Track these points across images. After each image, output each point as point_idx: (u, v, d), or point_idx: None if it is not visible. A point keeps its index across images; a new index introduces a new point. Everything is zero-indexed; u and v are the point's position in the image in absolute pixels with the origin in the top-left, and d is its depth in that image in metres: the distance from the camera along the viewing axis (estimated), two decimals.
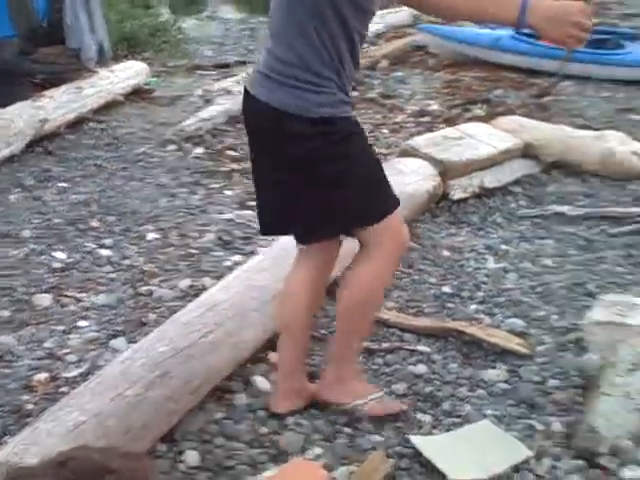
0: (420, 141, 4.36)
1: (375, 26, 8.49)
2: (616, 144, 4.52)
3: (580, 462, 2.23)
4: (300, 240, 2.40)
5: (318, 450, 2.32)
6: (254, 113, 2.26)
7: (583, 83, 6.75)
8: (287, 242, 3.11)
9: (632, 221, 3.94)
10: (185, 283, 3.34)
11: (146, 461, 2.07)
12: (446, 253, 3.65)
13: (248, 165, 4.68)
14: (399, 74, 7.22)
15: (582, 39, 1.88)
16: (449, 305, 3.18)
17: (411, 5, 2.15)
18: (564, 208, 4.09)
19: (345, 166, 2.18)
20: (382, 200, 2.27)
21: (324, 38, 2.07)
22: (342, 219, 2.27)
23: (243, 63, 7.58)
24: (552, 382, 2.65)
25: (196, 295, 2.99)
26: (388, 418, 2.43)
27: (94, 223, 4.02)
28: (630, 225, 3.89)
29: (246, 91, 2.27)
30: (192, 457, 2.28)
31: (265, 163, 2.31)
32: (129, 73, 6.25)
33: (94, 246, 3.75)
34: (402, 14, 8.97)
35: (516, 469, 2.21)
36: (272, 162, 2.27)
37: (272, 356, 2.76)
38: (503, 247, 3.72)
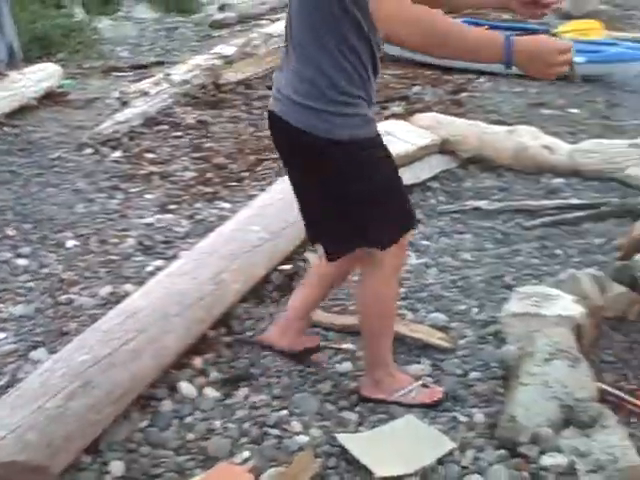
0: None
1: None
2: (528, 139, 4.65)
3: (503, 452, 2.29)
4: (325, 255, 2.51)
5: (246, 453, 2.32)
6: (282, 132, 2.28)
7: (497, 79, 6.91)
8: (208, 245, 3.12)
9: (545, 214, 4.06)
10: (106, 290, 3.29)
11: (50, 475, 2.06)
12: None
13: (168, 168, 4.76)
14: None
15: (561, 72, 1.96)
16: None
17: (394, 43, 2.12)
18: (481, 203, 4.19)
19: (369, 188, 2.24)
20: (400, 222, 2.38)
21: (346, 53, 2.09)
22: (362, 239, 2.34)
23: (160, 63, 7.47)
24: (474, 374, 2.72)
25: (117, 302, 2.94)
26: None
27: (10, 231, 3.91)
28: (543, 218, 4.01)
29: (271, 112, 2.29)
30: (117, 467, 2.26)
31: (296, 177, 2.40)
32: (41, 75, 6.08)
33: (10, 255, 3.65)
34: None
35: (441, 462, 2.26)
36: (302, 178, 2.36)
37: (197, 361, 2.75)
38: (424, 243, 3.78)
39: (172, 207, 4.20)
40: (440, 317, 3.06)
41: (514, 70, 1.94)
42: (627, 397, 2.58)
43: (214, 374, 2.72)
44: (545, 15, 2.31)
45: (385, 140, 4.37)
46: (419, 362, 2.79)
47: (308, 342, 2.81)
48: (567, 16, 9.74)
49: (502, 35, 1.92)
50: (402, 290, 3.29)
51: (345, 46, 2.08)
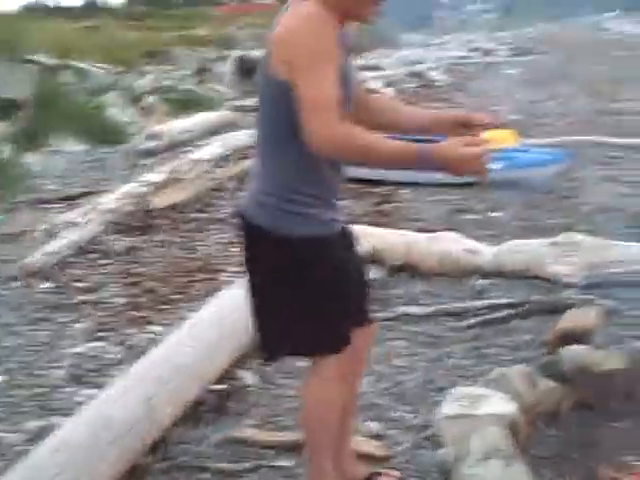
0: None
1: (219, 149, 8.73)
2: (452, 244, 4.80)
3: None
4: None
5: None
6: (241, 229, 2.32)
7: (418, 188, 7.16)
8: (139, 370, 3.08)
9: (474, 314, 4.15)
10: (33, 424, 3.19)
11: None
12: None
13: (98, 295, 4.73)
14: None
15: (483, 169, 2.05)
16: None
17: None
18: (411, 309, 4.27)
19: (298, 292, 2.25)
20: (328, 341, 2.30)
21: (299, 152, 2.11)
22: (292, 343, 2.33)
23: (89, 194, 7.54)
24: None
25: (45, 435, 2.85)
26: None
27: None
28: (472, 319, 4.10)
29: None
30: None
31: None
32: None
33: None
34: (243, 136, 9.22)
35: None
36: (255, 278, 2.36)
37: None
38: None
39: (103, 334, 4.16)
40: (374, 426, 3.05)
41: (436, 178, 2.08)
42: None
43: None
44: None
45: None
46: None
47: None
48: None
49: (415, 146, 2.01)
50: None
51: (297, 145, 2.11)
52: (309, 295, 2.26)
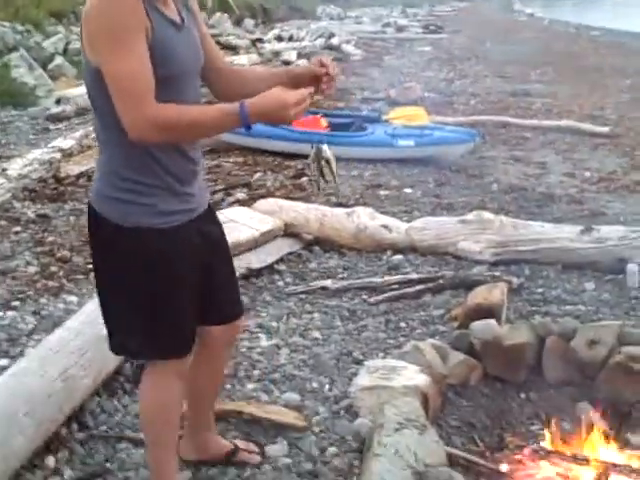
0: None
1: None
2: (367, 219, 4.90)
3: None
4: None
5: None
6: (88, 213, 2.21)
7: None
8: (55, 341, 3.05)
9: (388, 289, 4.26)
10: None
11: None
12: None
13: (9, 264, 4.62)
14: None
15: (304, 110, 2.03)
16: (227, 387, 3.23)
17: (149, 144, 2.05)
18: (327, 282, 4.35)
19: (110, 277, 2.18)
20: (161, 344, 2.21)
21: (126, 137, 1.98)
22: (124, 343, 2.25)
23: None
24: (331, 450, 2.79)
25: None
26: None
27: None
28: (386, 293, 4.21)
29: None
30: None
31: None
32: None
33: None
34: None
35: None
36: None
37: (50, 461, 2.66)
38: (274, 324, 3.87)
39: (16, 304, 4.06)
40: (293, 397, 3.13)
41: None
42: (475, 459, 2.73)
43: (68, 472, 2.64)
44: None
45: (230, 227, 4.53)
46: (276, 442, 2.83)
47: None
48: (394, 103, 10.42)
49: (237, 104, 1.96)
50: (255, 372, 3.36)
51: (123, 132, 1.98)
52: (140, 293, 2.15)
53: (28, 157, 6.42)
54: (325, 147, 2.28)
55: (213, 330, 2.42)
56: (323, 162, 2.28)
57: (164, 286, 2.15)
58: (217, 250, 2.38)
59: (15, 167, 6.15)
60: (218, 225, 2.41)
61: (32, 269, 4.55)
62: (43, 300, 4.10)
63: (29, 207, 5.73)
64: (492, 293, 3.82)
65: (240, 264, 4.35)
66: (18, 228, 5.28)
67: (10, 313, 3.91)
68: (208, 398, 2.64)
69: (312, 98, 2.06)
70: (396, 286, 4.29)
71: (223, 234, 2.44)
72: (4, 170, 6.07)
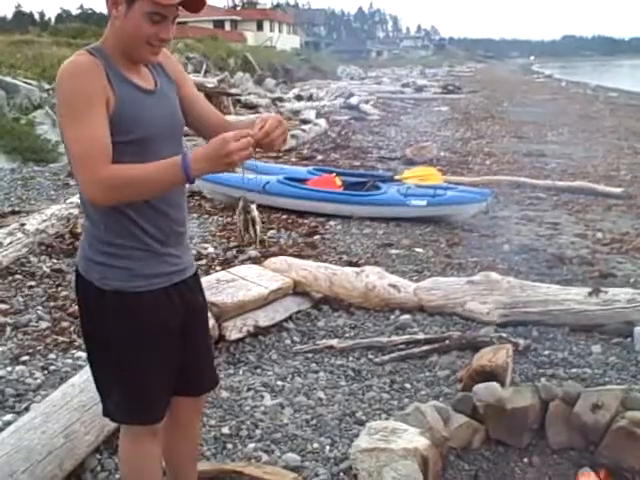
0: None
1: None
2: (375, 278, 4.93)
3: None
4: None
5: None
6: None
7: (347, 221, 7.33)
8: (59, 397, 3.09)
9: (394, 349, 4.27)
10: None
11: None
12: (225, 394, 3.74)
13: (21, 318, 4.68)
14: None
15: (249, 154, 1.93)
16: (228, 446, 3.24)
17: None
18: (334, 341, 4.36)
19: (92, 341, 2.22)
20: (130, 410, 2.23)
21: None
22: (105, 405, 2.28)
23: (16, 213, 7.45)
24: None
25: None
26: None
27: None
28: (393, 353, 4.21)
29: None
30: None
31: None
32: None
33: None
34: None
35: None
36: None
37: None
38: (279, 383, 3.88)
39: (25, 358, 4.11)
40: (294, 457, 3.13)
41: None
42: None
43: None
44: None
45: (239, 284, 4.56)
46: None
47: None
48: (410, 162, 10.55)
49: (179, 156, 1.94)
50: (257, 432, 3.37)
51: None
52: (115, 357, 2.17)
53: (46, 212, 6.53)
54: (253, 207, 2.26)
55: (183, 399, 2.40)
56: (249, 217, 2.26)
57: (138, 352, 2.16)
58: (197, 321, 2.37)
59: (33, 222, 6.26)
60: (201, 294, 2.41)
61: (43, 324, 4.61)
62: (52, 355, 4.15)
63: (45, 262, 5.82)
64: (497, 355, 3.81)
65: (248, 322, 4.40)
66: (32, 282, 5.36)
67: (19, 368, 3.96)
68: (185, 464, 2.59)
69: (254, 146, 1.97)
70: (402, 346, 4.30)
71: (205, 304, 2.44)
72: (22, 225, 6.18)
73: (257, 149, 2.00)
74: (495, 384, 3.42)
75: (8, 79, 12.64)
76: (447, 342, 4.30)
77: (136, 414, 2.23)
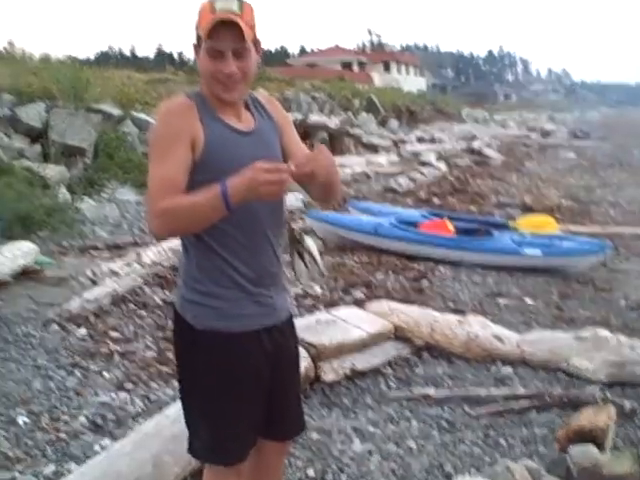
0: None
1: None
2: (478, 328, 4.84)
3: None
4: None
5: None
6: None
7: (457, 268, 7.24)
8: (152, 426, 3.19)
9: (492, 402, 4.16)
10: (50, 469, 3.31)
11: None
12: (315, 435, 3.75)
13: (130, 346, 4.87)
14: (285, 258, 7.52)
15: (279, 189, 1.93)
16: None
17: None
18: (430, 390, 4.30)
19: (184, 378, 2.26)
20: (209, 450, 2.23)
21: (198, 246, 2.13)
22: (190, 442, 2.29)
23: (136, 244, 7.80)
24: None
25: None
26: None
27: None
28: (490, 406, 4.10)
29: None
30: None
31: None
32: (17, 253, 6.32)
33: None
34: (293, 199, 9.49)
35: None
36: None
37: None
38: (370, 429, 3.85)
39: (129, 386, 4.28)
40: None
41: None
42: None
43: None
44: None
45: (339, 326, 4.59)
46: None
47: None
48: (529, 209, 10.33)
49: (218, 184, 1.94)
50: (343, 477, 3.35)
51: (195, 240, 2.13)
52: (203, 396, 2.19)
53: (163, 245, 6.80)
54: (307, 237, 2.21)
55: (269, 442, 2.39)
56: (301, 248, 2.20)
57: (226, 393, 2.16)
58: (287, 366, 2.35)
59: (150, 254, 6.54)
60: (294, 339, 2.40)
61: (150, 353, 4.79)
62: (154, 385, 4.29)
63: (157, 293, 6.05)
64: (598, 416, 3.64)
65: (345, 364, 4.41)
66: (144, 312, 5.59)
67: (122, 395, 4.12)
68: None
69: (297, 180, 1.98)
70: (501, 400, 4.18)
71: (297, 350, 2.43)
72: (139, 256, 6.47)
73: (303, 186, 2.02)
74: (593, 447, 3.27)
75: (142, 116, 13.24)
76: (548, 399, 4.16)
77: (220, 455, 2.23)
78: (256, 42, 2.13)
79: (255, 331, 2.19)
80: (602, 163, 18.40)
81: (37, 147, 10.36)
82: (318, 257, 2.21)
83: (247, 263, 2.16)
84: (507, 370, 4.61)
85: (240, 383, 2.17)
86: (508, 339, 4.83)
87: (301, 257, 2.17)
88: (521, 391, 4.29)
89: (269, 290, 2.22)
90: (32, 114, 10.57)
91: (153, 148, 2.07)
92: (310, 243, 2.20)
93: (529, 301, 6.28)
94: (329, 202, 2.38)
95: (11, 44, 25.65)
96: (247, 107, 2.24)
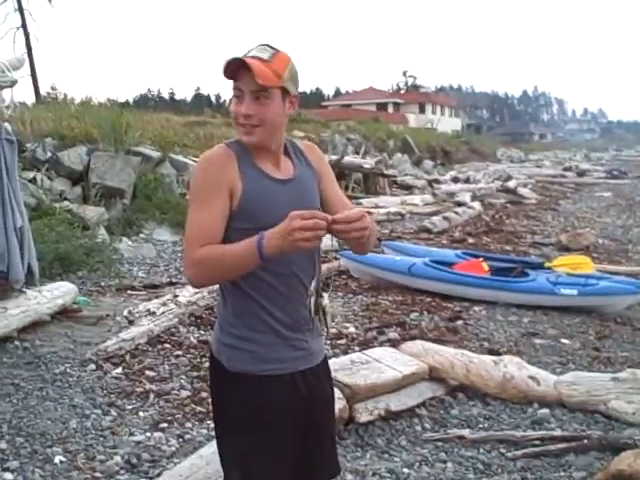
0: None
1: None
2: (514, 369, 4.79)
3: None
4: None
5: None
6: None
7: (493, 308, 7.20)
8: (186, 467, 3.21)
9: (529, 444, 4.11)
10: None
11: None
12: (349, 477, 3.73)
13: (165, 386, 4.92)
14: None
15: (314, 236, 1.91)
16: None
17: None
18: (465, 431, 4.26)
19: (219, 421, 2.27)
20: None
21: (233, 292, 2.16)
22: None
23: (172, 284, 7.89)
24: None
25: None
26: None
27: (2, 444, 4.00)
28: (526, 448, 4.05)
29: None
30: None
31: None
32: (56, 293, 6.43)
33: None
34: (327, 238, 9.51)
35: None
36: None
37: None
38: (405, 470, 3.83)
39: (163, 425, 4.30)
40: None
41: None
42: None
43: None
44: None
45: (373, 367, 4.58)
46: None
47: None
48: (565, 249, 10.25)
49: (255, 237, 1.97)
50: None
51: (232, 286, 2.16)
52: (234, 440, 2.20)
53: None
54: (325, 295, 2.19)
55: None
56: (320, 301, 2.17)
57: (259, 436, 2.15)
58: (322, 410, 2.33)
59: (186, 294, 6.61)
60: (329, 382, 2.40)
61: (184, 393, 4.81)
62: (189, 424, 4.31)
63: (192, 332, 6.11)
64: (639, 460, 3.59)
65: (379, 405, 4.39)
66: (179, 352, 5.63)
67: (157, 434, 4.15)
68: None
69: (331, 232, 1.97)
70: (538, 442, 4.13)
71: (332, 394, 2.42)
72: (175, 296, 6.54)
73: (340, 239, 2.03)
74: None
75: (180, 158, 13.48)
76: (586, 441, 4.09)
77: None
78: (286, 92, 2.13)
79: (290, 375, 2.19)
80: (639, 202, 18.21)
81: (78, 189, 10.61)
82: (329, 314, 2.22)
83: (283, 309, 2.18)
84: (544, 412, 4.55)
85: (274, 427, 2.16)
86: (544, 380, 4.78)
87: (316, 312, 2.17)
88: (558, 433, 4.24)
89: (304, 335, 2.23)
90: (74, 157, 10.83)
91: (193, 197, 2.14)
92: (326, 300, 2.20)
93: (565, 341, 6.21)
94: (361, 253, 2.40)
95: (54, 88, 26.37)
96: (287, 154, 2.27)
